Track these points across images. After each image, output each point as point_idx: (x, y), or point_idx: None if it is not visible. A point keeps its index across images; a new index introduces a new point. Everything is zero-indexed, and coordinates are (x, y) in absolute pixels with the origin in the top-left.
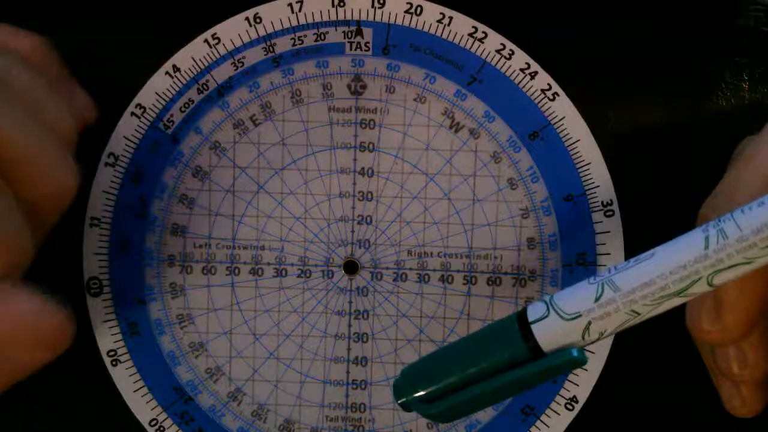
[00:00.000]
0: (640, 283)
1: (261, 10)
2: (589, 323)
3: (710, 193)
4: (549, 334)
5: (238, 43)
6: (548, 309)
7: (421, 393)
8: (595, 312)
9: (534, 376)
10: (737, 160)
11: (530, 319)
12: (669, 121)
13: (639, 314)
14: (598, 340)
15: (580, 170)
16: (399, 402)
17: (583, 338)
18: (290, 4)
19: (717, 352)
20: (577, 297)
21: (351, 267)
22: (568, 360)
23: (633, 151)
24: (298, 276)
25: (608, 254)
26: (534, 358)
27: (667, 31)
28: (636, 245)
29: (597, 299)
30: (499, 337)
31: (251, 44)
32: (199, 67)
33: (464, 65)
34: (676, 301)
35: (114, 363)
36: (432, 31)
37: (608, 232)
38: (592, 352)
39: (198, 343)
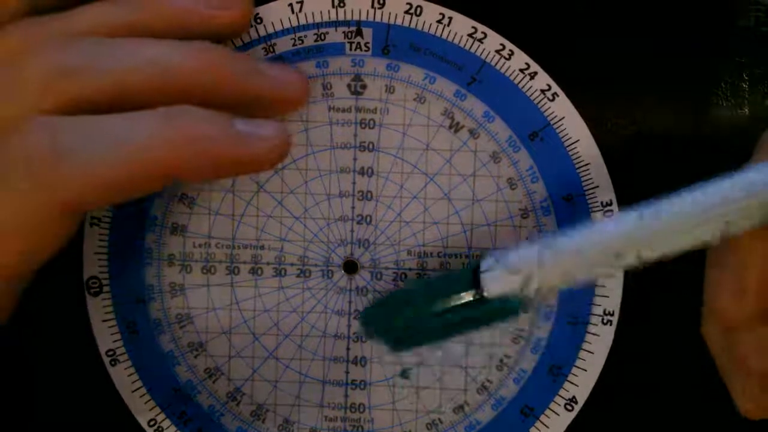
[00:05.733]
0: (594, 237)
1: (261, 10)
2: (529, 278)
3: None
4: (494, 283)
5: (238, 44)
6: (497, 261)
7: (384, 320)
8: (534, 269)
9: (476, 318)
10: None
11: (481, 268)
12: (669, 121)
13: (587, 270)
14: (536, 295)
15: (579, 170)
16: (364, 327)
17: (522, 291)
18: (290, 5)
19: (735, 343)
20: (521, 254)
21: (350, 267)
22: (503, 306)
23: (633, 151)
24: (298, 276)
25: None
26: (478, 303)
27: (667, 31)
28: None
29: (538, 259)
30: (455, 282)
31: (251, 44)
32: None
33: (464, 65)
34: (627, 262)
35: (113, 363)
36: (432, 32)
37: None
38: (592, 353)
39: (197, 343)
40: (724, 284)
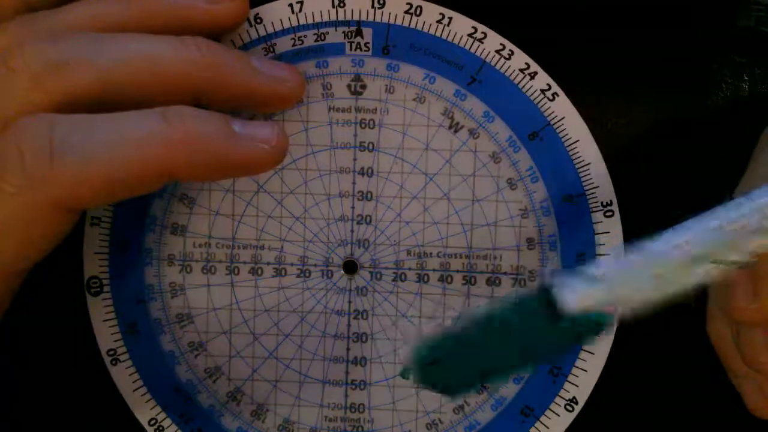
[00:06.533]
0: (669, 246)
1: (261, 10)
2: (615, 286)
3: (709, 193)
4: (573, 297)
5: (239, 44)
6: (576, 274)
7: (438, 364)
8: (618, 276)
9: (553, 342)
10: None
11: (555, 284)
12: (669, 121)
13: (665, 280)
14: (623, 306)
15: (579, 170)
16: (418, 375)
17: (605, 303)
18: (290, 5)
19: (744, 340)
20: (606, 260)
21: (350, 267)
22: (584, 323)
23: (633, 151)
24: (298, 276)
25: (608, 254)
26: (554, 323)
27: (667, 31)
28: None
29: (624, 262)
30: (522, 304)
31: (251, 44)
32: None
33: (464, 65)
34: (706, 269)
35: (113, 362)
36: (432, 32)
37: (608, 232)
38: (592, 353)
39: (197, 343)
40: (737, 284)
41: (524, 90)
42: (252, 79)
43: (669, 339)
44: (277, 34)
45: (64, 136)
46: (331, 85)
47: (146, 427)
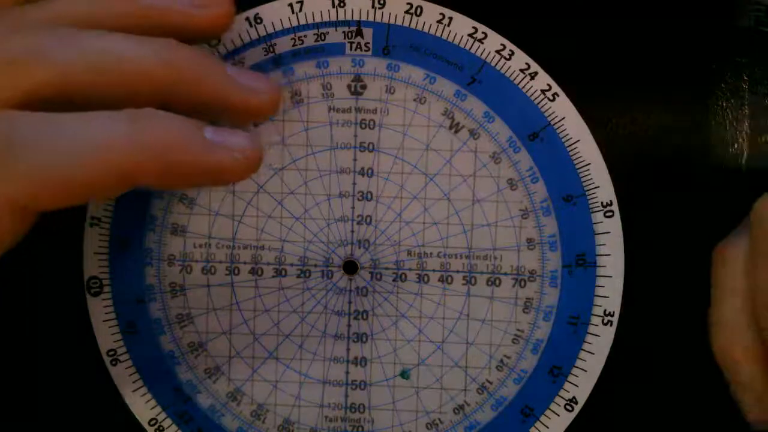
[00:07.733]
0: None
1: (261, 10)
2: None
3: (710, 194)
4: None
5: (239, 43)
6: None
7: None
8: None
9: None
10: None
11: None
12: (669, 122)
13: None
14: None
15: (579, 171)
16: None
17: None
18: (290, 5)
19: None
20: None
21: (350, 267)
22: None
23: (633, 151)
24: (298, 276)
25: (608, 255)
26: None
27: (667, 31)
28: (636, 246)
29: None
30: None
31: (251, 44)
32: None
33: (464, 65)
34: None
35: (113, 362)
36: (432, 32)
37: (608, 232)
38: (592, 353)
39: (197, 343)
40: None
41: (524, 90)
42: (223, 86)
43: (669, 339)
44: (277, 34)
45: (24, 134)
46: (331, 85)
47: (146, 427)
